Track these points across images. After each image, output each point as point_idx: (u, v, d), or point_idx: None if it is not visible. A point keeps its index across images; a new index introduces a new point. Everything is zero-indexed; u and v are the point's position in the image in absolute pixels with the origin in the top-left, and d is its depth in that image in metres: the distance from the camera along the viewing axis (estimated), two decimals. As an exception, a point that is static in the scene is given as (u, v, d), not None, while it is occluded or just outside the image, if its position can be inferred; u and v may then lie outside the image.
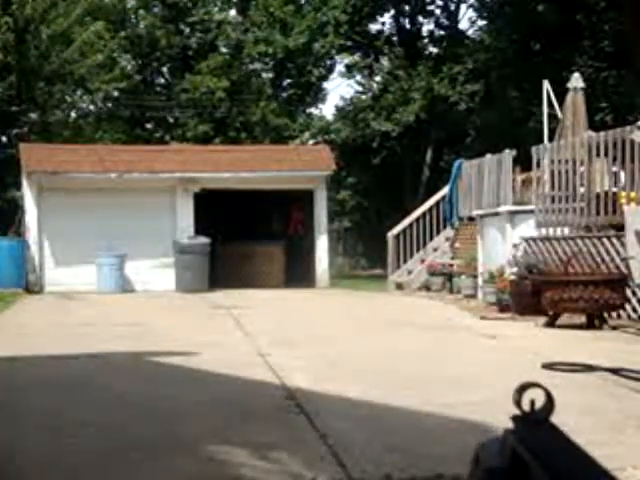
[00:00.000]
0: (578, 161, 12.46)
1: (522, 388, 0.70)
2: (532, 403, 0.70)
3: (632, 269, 10.54)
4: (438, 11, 30.99)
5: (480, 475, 0.71)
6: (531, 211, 13.52)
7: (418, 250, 18.45)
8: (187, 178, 18.92)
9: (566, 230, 12.66)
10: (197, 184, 18.91)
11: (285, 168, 19.55)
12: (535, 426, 0.69)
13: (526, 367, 7.07)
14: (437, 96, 27.61)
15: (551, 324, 10.21)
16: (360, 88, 31.78)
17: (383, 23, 31.98)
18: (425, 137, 29.01)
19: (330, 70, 32.58)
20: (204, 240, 18.06)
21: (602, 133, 12.10)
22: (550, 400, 0.71)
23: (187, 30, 31.32)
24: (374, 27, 31.25)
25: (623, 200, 11.36)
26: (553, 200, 12.96)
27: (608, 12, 24.99)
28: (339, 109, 31.79)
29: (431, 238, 18.40)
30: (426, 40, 31.32)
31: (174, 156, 20.34)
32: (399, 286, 18.11)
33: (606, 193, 11.67)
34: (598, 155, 11.95)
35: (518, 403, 0.70)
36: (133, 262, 18.21)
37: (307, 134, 31.90)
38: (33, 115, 26.03)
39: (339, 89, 67.48)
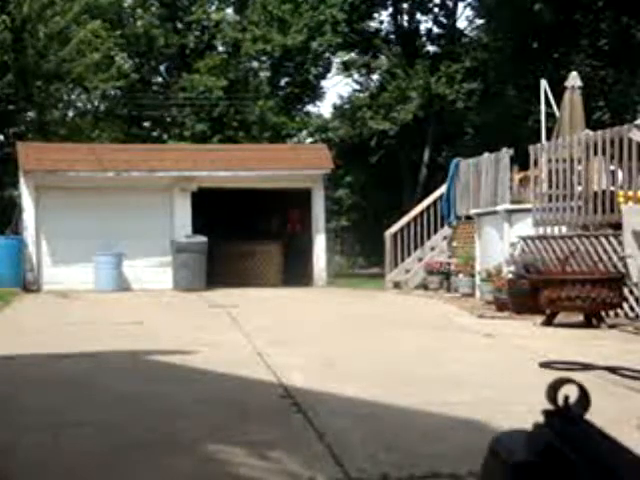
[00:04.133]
0: (576, 160, 12.46)
1: (557, 384, 0.69)
2: (566, 399, 0.69)
3: (629, 268, 10.55)
4: (436, 9, 31.02)
5: (506, 469, 0.70)
6: (529, 210, 13.53)
7: (416, 249, 18.45)
8: (185, 177, 18.92)
9: (564, 229, 12.67)
10: (194, 183, 18.91)
11: (283, 167, 19.54)
12: (571, 422, 0.68)
13: (524, 366, 7.08)
14: (435, 94, 27.63)
15: (548, 323, 10.22)
16: (358, 86, 31.83)
17: (381, 21, 31.96)
18: (423, 136, 29.02)
19: (328, 68, 32.59)
20: (202, 239, 18.06)
21: (600, 132, 12.11)
22: (586, 396, 0.70)
23: (184, 29, 31.31)
24: (372, 25, 31.28)
25: (621, 199, 11.37)
26: (550, 199, 12.97)
27: (605, 11, 25.02)
28: (337, 107, 31.81)
29: (429, 237, 18.41)
30: (424, 38, 31.34)
31: (172, 155, 20.34)
32: (397, 285, 18.12)
33: (603, 192, 11.68)
34: (596, 154, 11.96)
35: (553, 399, 0.69)
36: (131, 261, 18.22)
37: (305, 133, 31.91)
38: (30, 114, 26.03)
39: (337, 87, 67.48)
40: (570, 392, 0.77)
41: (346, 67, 31.56)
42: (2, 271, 17.17)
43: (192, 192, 18.92)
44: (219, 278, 18.39)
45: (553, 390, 0.69)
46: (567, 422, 0.67)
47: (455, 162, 17.72)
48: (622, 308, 10.68)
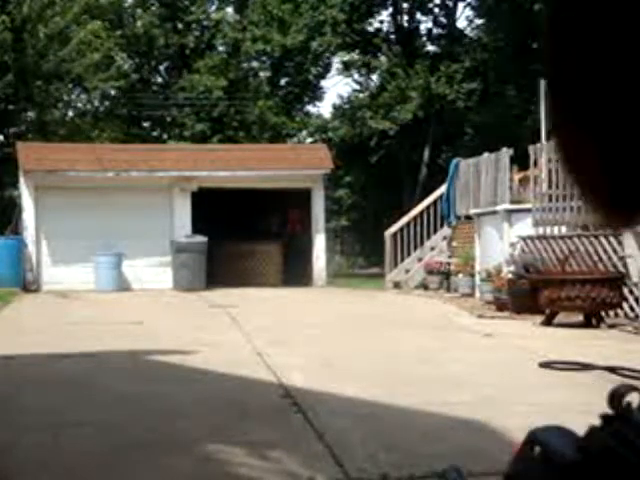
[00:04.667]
0: (575, 160, 12.45)
1: (622, 390, 0.68)
2: (628, 405, 0.68)
3: (629, 268, 10.55)
4: (436, 9, 31.02)
5: (555, 469, 0.68)
6: (528, 210, 13.53)
7: (415, 249, 18.45)
8: (184, 177, 18.92)
9: (563, 229, 12.67)
10: (194, 183, 18.90)
11: (283, 167, 19.54)
12: (634, 428, 0.66)
13: (524, 366, 7.08)
14: (435, 94, 27.61)
15: (548, 323, 10.22)
16: (358, 86, 31.82)
17: (381, 21, 31.95)
18: (423, 135, 29.00)
19: (327, 69, 32.60)
20: (201, 239, 18.06)
21: (599, 132, 12.09)
22: None
23: (184, 29, 31.31)
24: (372, 25, 31.28)
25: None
26: (550, 199, 12.97)
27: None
28: (337, 107, 31.80)
29: (428, 237, 18.41)
30: (424, 38, 31.33)
31: (171, 155, 20.33)
32: (396, 285, 18.12)
33: (603, 192, 11.67)
34: (595, 154, 11.95)
35: (615, 405, 0.67)
36: (131, 261, 18.21)
37: (305, 133, 31.92)
38: (30, 114, 26.03)
39: (337, 87, 67.46)
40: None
41: (346, 67, 31.54)
42: (2, 271, 17.16)
43: (192, 192, 18.91)
44: (219, 278, 18.38)
45: (617, 396, 0.68)
46: (630, 428, 0.65)
47: (455, 162, 17.71)
48: (622, 308, 10.67)
